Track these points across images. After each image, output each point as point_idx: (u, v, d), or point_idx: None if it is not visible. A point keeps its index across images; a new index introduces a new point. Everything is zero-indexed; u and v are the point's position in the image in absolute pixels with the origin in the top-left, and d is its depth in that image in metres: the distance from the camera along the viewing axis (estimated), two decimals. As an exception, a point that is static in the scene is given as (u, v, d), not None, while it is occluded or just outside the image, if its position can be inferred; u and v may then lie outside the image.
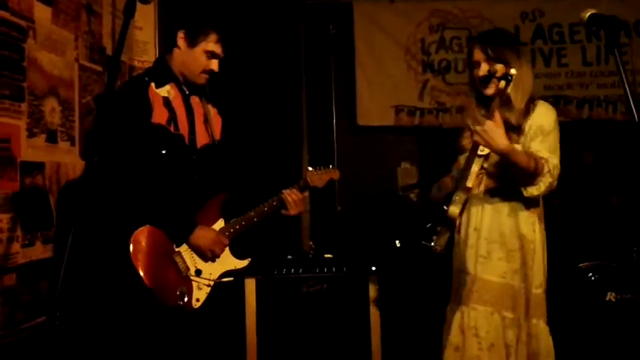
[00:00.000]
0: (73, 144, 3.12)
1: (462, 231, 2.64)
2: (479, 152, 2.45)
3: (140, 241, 2.47)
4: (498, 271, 2.52)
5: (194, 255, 2.62)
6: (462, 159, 2.65)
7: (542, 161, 2.42)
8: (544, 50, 5.02)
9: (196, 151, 2.70)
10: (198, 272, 2.61)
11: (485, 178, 2.59)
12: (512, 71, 2.33)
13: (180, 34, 2.66)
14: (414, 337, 3.88)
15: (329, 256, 3.97)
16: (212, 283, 2.62)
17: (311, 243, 4.48)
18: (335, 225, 4.89)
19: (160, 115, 2.56)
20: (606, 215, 4.15)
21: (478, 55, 2.55)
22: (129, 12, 2.09)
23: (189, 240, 2.59)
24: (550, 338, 2.54)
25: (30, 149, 2.77)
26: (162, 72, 2.68)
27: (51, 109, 2.94)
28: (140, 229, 2.47)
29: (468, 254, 2.59)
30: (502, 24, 4.86)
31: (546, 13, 5.02)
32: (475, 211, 2.60)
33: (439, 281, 3.89)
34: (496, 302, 2.51)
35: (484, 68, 2.53)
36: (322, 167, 2.97)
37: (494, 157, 2.49)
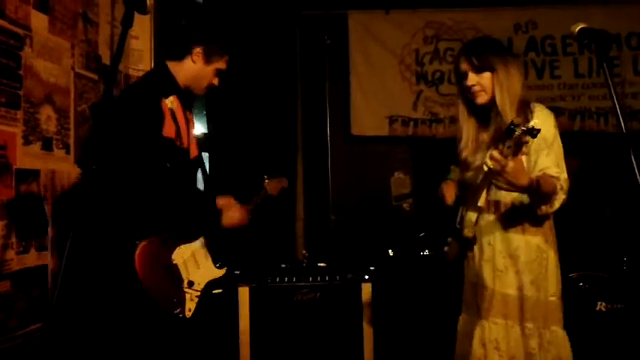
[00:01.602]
0: (68, 152, 3.13)
1: (476, 246, 2.64)
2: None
3: (143, 252, 2.49)
4: (515, 284, 2.54)
5: (188, 267, 2.66)
6: (468, 175, 2.66)
7: (553, 180, 2.41)
8: (537, 62, 5.07)
9: (192, 163, 2.79)
10: (191, 284, 2.66)
11: (494, 193, 2.59)
12: (533, 123, 2.22)
13: (198, 50, 2.70)
14: (406, 345, 3.89)
15: (322, 264, 3.99)
16: (199, 293, 2.68)
17: (304, 252, 4.50)
18: (329, 234, 4.91)
19: (169, 129, 2.60)
20: (597, 225, 4.18)
21: (464, 65, 2.55)
22: (127, 22, 2.09)
23: (222, 223, 2.74)
24: (568, 344, 2.57)
25: (25, 157, 2.79)
26: (167, 82, 2.69)
27: (47, 116, 2.96)
28: (143, 242, 2.49)
29: (484, 268, 2.59)
30: (496, 36, 4.82)
31: (539, 25, 5.07)
32: (487, 226, 2.60)
33: (433, 289, 3.91)
34: (515, 315, 2.53)
35: (472, 78, 2.54)
36: (276, 176, 3.24)
37: None
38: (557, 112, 4.96)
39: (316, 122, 5.13)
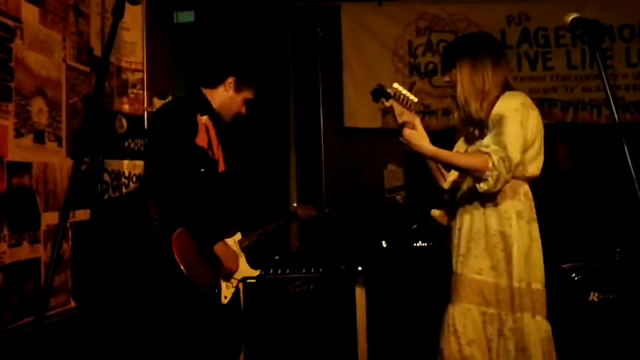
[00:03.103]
0: (60, 144, 3.12)
1: (452, 232, 2.70)
2: None
3: (179, 237, 2.72)
4: (474, 268, 2.56)
5: None
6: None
7: (483, 157, 2.42)
8: (529, 54, 5.08)
9: (220, 176, 3.01)
10: None
11: (467, 178, 2.63)
12: (395, 85, 2.45)
13: (230, 80, 3.00)
14: (400, 336, 3.91)
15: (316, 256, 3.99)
16: (235, 284, 2.96)
17: (297, 243, 4.51)
18: (322, 226, 4.91)
19: (202, 139, 2.88)
20: (590, 217, 4.20)
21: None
22: (118, 13, 2.08)
23: (213, 248, 2.86)
24: (538, 331, 2.54)
25: (17, 149, 2.77)
26: (202, 104, 2.97)
27: (38, 109, 2.94)
28: (179, 229, 2.72)
29: (453, 253, 2.66)
30: (488, 28, 4.91)
31: (532, 17, 5.08)
32: (460, 211, 2.66)
33: (425, 281, 3.92)
34: (473, 299, 2.55)
35: (446, 75, 2.68)
36: (307, 204, 3.50)
37: None
38: (550, 103, 5.01)
39: (309, 115, 5.13)
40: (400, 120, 2.45)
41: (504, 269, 2.53)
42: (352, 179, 5.20)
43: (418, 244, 4.24)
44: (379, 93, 2.46)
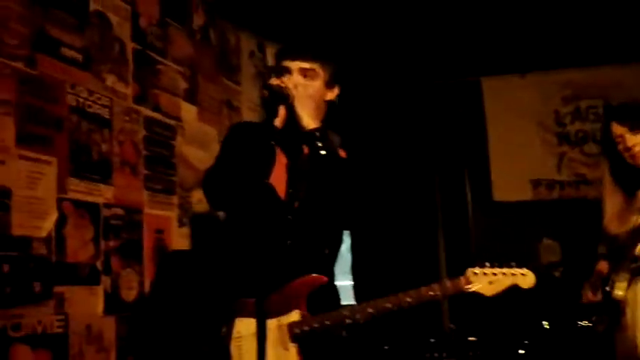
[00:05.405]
0: (217, 232, 3.29)
1: (629, 313, 2.47)
2: None
3: None
4: None
5: (242, 350, 1.87)
6: (617, 245, 2.53)
7: None
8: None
9: (294, 210, 2.00)
10: None
11: None
12: None
13: None
14: None
15: (473, 338, 3.82)
16: None
17: (451, 325, 4.35)
18: (474, 304, 4.73)
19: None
20: None
21: (619, 128, 2.51)
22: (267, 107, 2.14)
23: None
24: None
25: (180, 238, 2.96)
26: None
27: (197, 200, 3.14)
28: None
29: None
30: (639, 90, 4.66)
31: (691, 76, 4.77)
32: None
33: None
34: None
35: (630, 139, 2.47)
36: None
37: None
38: None
39: (455, 190, 5.06)
40: None
41: None
42: (504, 255, 4.99)
43: (583, 324, 3.96)
44: None
